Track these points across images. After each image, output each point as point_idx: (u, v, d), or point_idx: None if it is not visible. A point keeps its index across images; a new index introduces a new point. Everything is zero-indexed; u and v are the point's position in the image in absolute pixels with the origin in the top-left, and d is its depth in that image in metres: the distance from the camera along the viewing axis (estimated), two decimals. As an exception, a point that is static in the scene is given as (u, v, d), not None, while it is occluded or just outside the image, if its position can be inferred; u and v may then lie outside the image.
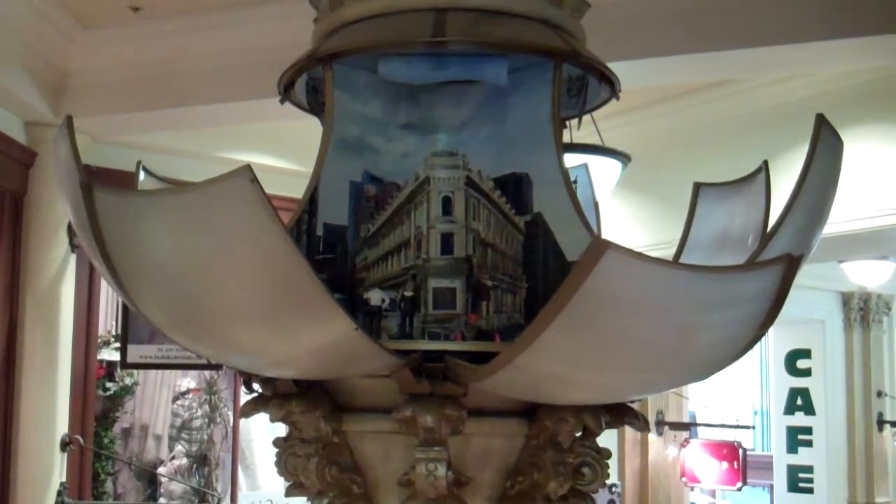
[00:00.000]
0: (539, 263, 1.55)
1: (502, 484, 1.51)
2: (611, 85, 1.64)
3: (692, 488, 10.63)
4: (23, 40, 5.14)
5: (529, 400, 1.47)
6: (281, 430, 1.68)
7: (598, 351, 1.22)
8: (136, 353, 6.17)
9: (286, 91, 1.67)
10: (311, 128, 1.71)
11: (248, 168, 1.14)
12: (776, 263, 1.20)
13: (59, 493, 5.48)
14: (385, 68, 1.59)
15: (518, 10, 1.54)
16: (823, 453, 10.88)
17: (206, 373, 7.84)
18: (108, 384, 7.49)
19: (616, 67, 1.64)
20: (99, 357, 6.84)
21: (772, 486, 12.14)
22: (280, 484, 1.91)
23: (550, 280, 1.52)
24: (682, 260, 1.70)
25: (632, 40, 4.48)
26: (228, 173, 1.14)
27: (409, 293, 1.49)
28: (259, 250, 1.19)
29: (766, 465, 12.03)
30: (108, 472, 7.40)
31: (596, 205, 1.95)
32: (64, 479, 5.57)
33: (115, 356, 7.07)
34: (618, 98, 1.68)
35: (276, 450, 1.61)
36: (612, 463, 2.87)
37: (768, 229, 1.50)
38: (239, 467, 7.94)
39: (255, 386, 1.53)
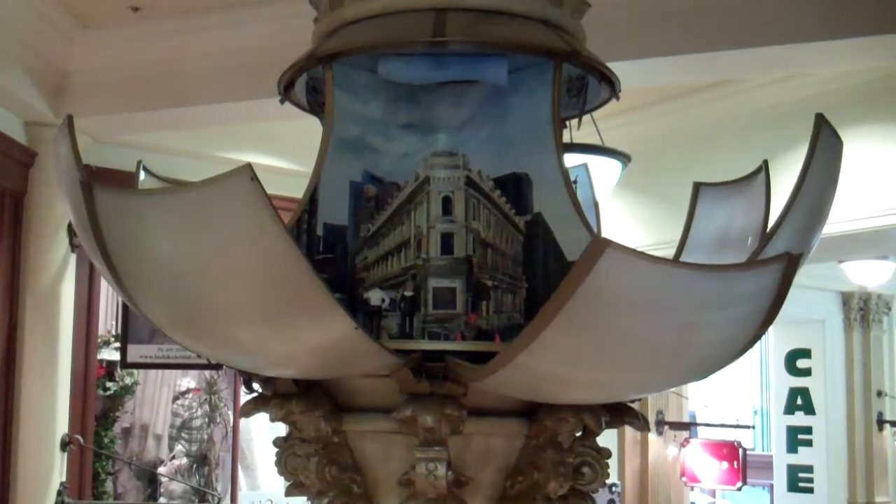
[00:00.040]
0: (539, 263, 1.55)
1: (502, 484, 1.51)
2: (611, 85, 1.64)
3: (692, 488, 10.64)
4: (23, 40, 5.14)
5: (529, 399, 1.47)
6: (281, 429, 1.68)
7: (597, 350, 1.22)
8: (136, 352, 6.17)
9: (286, 91, 1.68)
10: (311, 128, 1.71)
11: (248, 167, 1.14)
12: (776, 262, 1.20)
13: (59, 493, 5.49)
14: (385, 68, 1.59)
15: (518, 10, 1.54)
16: (823, 453, 10.88)
17: (206, 373, 7.84)
18: (108, 384, 7.49)
19: (616, 67, 1.64)
20: (99, 357, 6.85)
21: (772, 486, 12.15)
22: (280, 484, 1.91)
23: (550, 280, 1.52)
24: (683, 260, 1.70)
25: (632, 40, 4.48)
26: (229, 172, 1.14)
27: (409, 293, 1.49)
28: (259, 249, 1.19)
29: (766, 465, 12.03)
30: (108, 471, 7.40)
31: (596, 205, 1.95)
32: (64, 479, 5.57)
33: (115, 356, 7.07)
34: (618, 98, 1.68)
35: (276, 449, 1.61)
36: (612, 463, 2.87)
37: (768, 229, 1.50)
38: (239, 467, 7.94)
39: (255, 386, 1.53)
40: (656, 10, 4.58)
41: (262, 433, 8.28)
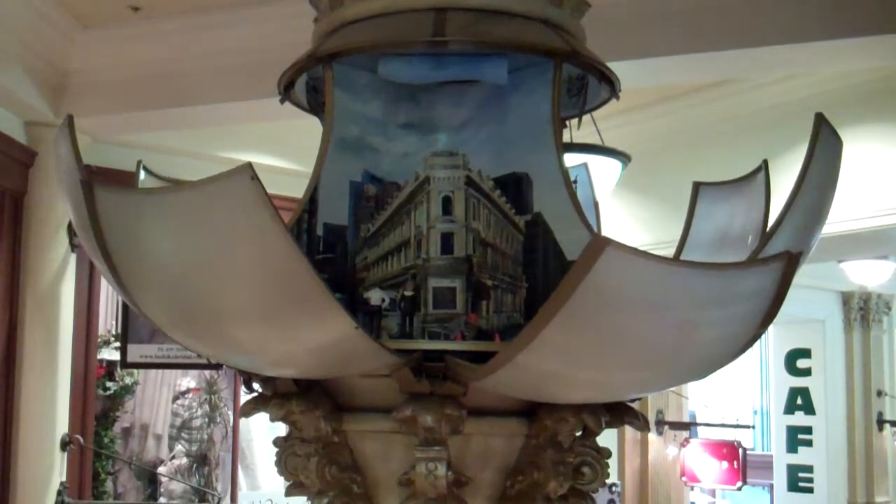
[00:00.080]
0: (539, 263, 1.55)
1: (502, 483, 1.52)
2: (611, 85, 1.64)
3: (692, 488, 10.63)
4: (23, 40, 5.14)
5: (529, 399, 1.47)
6: (281, 429, 1.68)
7: (597, 349, 1.22)
8: (136, 352, 6.17)
9: (286, 91, 1.68)
10: (311, 128, 1.71)
11: (248, 166, 1.14)
12: (776, 261, 1.20)
13: (59, 493, 5.48)
14: (385, 68, 1.59)
15: (518, 9, 1.54)
16: (823, 453, 10.88)
17: (206, 372, 7.84)
18: (109, 384, 7.49)
19: (616, 67, 1.64)
20: (99, 357, 6.85)
21: (772, 486, 12.15)
22: (280, 483, 1.91)
23: (550, 280, 1.52)
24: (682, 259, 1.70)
25: (632, 40, 4.48)
26: (229, 171, 1.14)
27: (409, 293, 1.49)
28: (259, 249, 1.19)
29: (765, 465, 12.03)
30: (109, 471, 7.40)
31: (596, 205, 1.95)
32: (64, 479, 5.57)
33: (115, 356, 7.07)
34: (618, 98, 1.68)
35: (276, 449, 1.61)
36: (612, 462, 2.87)
37: (768, 228, 1.50)
38: (239, 467, 7.94)
39: (255, 385, 1.53)
40: (656, 10, 4.58)
41: (262, 433, 8.27)
